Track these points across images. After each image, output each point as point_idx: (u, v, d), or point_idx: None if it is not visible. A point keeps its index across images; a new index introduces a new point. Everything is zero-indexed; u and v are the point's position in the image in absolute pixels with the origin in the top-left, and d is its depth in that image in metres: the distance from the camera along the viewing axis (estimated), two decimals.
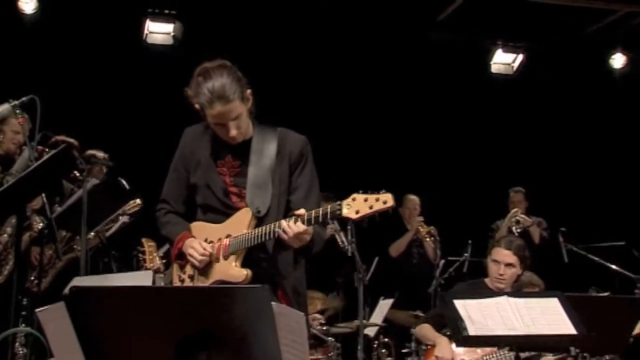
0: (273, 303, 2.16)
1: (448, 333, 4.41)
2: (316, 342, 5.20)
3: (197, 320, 2.22)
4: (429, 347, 4.49)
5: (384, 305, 6.17)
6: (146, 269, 4.04)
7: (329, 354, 5.08)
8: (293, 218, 2.92)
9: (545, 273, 5.41)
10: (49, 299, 3.08)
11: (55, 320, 2.23)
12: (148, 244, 4.12)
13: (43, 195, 4.09)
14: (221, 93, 2.96)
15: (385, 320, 6.24)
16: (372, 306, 6.52)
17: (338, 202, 2.86)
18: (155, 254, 4.10)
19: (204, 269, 3.11)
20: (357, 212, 2.81)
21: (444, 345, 4.28)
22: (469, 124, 8.43)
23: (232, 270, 3.03)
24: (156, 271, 4.02)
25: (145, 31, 7.64)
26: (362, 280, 5.28)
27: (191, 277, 3.15)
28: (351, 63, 8.00)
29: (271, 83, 7.80)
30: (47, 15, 7.24)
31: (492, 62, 8.42)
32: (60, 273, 4.89)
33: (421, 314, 5.80)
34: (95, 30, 7.34)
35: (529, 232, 7.37)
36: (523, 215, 7.40)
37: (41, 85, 6.99)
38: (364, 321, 5.86)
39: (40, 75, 7.11)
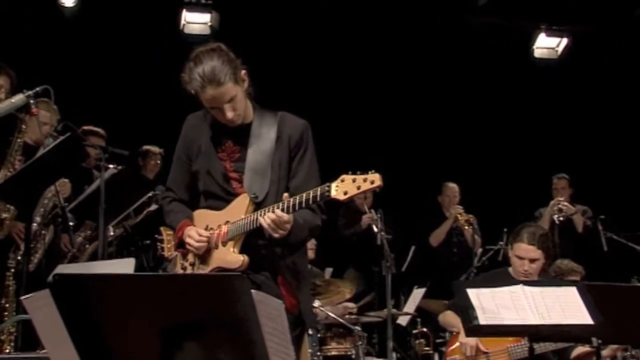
0: (252, 291, 2.13)
1: None
2: (344, 331, 5.16)
3: (183, 308, 2.20)
4: (453, 334, 4.42)
5: (417, 294, 6.11)
6: (165, 257, 4.06)
7: (357, 343, 5.03)
8: (274, 205, 2.89)
9: (585, 262, 5.27)
10: None
11: (42, 307, 2.24)
12: (166, 233, 4.10)
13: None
14: (212, 76, 2.93)
15: (420, 309, 6.17)
16: (407, 295, 6.46)
17: (327, 184, 2.83)
18: (173, 243, 4.10)
19: (204, 256, 3.10)
20: (345, 193, 2.78)
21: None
22: (511, 109, 8.26)
23: (229, 257, 3.01)
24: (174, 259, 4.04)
25: (183, 21, 7.68)
26: (389, 269, 5.22)
27: (192, 265, 3.15)
28: (394, 49, 7.93)
29: (309, 68, 7.80)
30: (87, 8, 7.34)
31: (535, 47, 8.21)
32: (88, 261, 4.96)
33: None
34: (133, 21, 7.42)
35: (572, 221, 7.19)
36: (566, 203, 7.21)
37: (82, 78, 7.19)
38: (396, 310, 5.82)
39: (81, 68, 7.25)
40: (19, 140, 4.29)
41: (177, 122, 7.96)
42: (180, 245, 3.18)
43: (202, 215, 3.16)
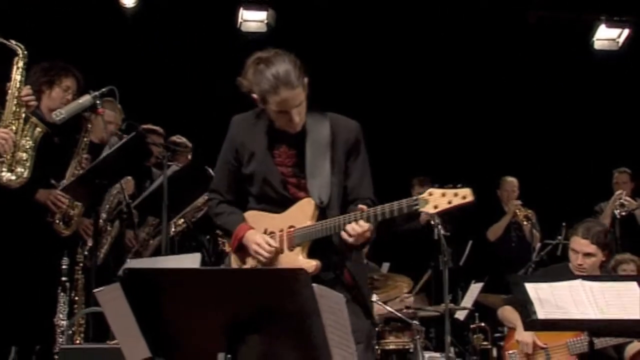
0: (314, 285, 2.19)
1: None
2: (402, 325, 5.19)
3: (247, 302, 2.27)
4: (510, 329, 4.42)
5: (475, 289, 6.10)
6: (227, 252, 4.16)
7: (415, 338, 5.05)
8: (356, 214, 2.90)
9: None
10: None
11: (113, 300, 2.35)
12: None
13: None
14: (286, 79, 2.93)
15: (478, 304, 6.16)
16: (465, 290, 6.46)
17: (415, 198, 2.84)
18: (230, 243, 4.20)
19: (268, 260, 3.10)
20: (435, 207, 2.80)
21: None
22: (572, 102, 8.15)
23: (300, 262, 3.01)
24: None
25: (240, 19, 7.79)
26: (447, 264, 5.22)
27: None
28: (452, 44, 7.90)
29: (364, 67, 7.83)
30: (147, 8, 7.50)
31: (595, 38, 8.08)
32: (152, 256, 5.09)
33: None
34: (192, 20, 7.56)
35: (634, 216, 7.07)
36: (628, 198, 7.08)
37: (141, 76, 7.35)
38: (453, 305, 5.82)
39: (140, 67, 7.41)
40: (85, 139, 4.42)
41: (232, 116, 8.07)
42: (239, 248, 3.18)
43: (257, 217, 3.16)
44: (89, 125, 4.44)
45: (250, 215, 3.19)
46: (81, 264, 4.20)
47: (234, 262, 3.24)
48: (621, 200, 7.03)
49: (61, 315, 3.69)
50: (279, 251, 3.09)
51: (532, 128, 8.17)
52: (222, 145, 3.24)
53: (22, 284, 4.02)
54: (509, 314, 4.43)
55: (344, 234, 2.91)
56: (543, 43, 8.00)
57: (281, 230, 3.09)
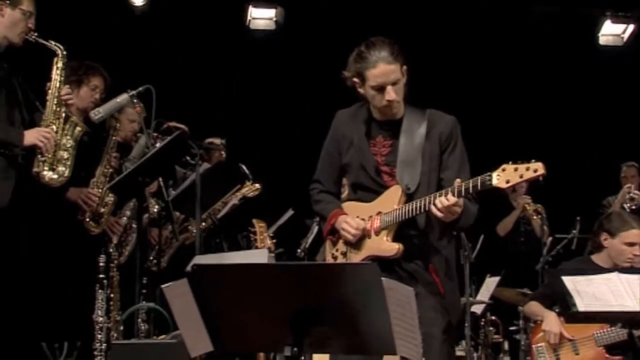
0: (383, 278, 2.24)
1: (557, 310, 4.38)
2: None
3: (310, 296, 2.31)
4: (537, 322, 4.48)
5: (490, 283, 6.16)
6: (257, 248, 4.20)
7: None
8: (443, 191, 2.98)
9: None
10: (168, 277, 3.28)
11: (180, 296, 2.38)
12: (259, 225, 4.27)
13: (160, 179, 4.32)
14: (386, 54, 3.11)
15: (492, 298, 6.23)
16: (478, 284, 6.51)
17: (488, 173, 2.90)
18: (265, 234, 4.25)
19: (356, 245, 3.21)
20: (507, 182, 2.87)
21: (552, 319, 4.26)
22: (577, 98, 8.21)
23: (384, 245, 3.11)
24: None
25: (249, 17, 7.82)
26: (467, 258, 5.28)
27: (344, 254, 3.25)
28: (457, 39, 7.94)
29: None
30: (155, 6, 7.51)
31: (600, 34, 8.13)
32: (176, 253, 5.13)
33: (528, 292, 5.75)
34: (201, 18, 7.58)
35: None
36: (637, 192, 7.17)
37: (150, 74, 7.32)
38: (471, 299, 5.88)
39: (150, 64, 7.42)
40: (114, 137, 4.46)
41: (243, 115, 8.14)
42: (332, 232, 3.29)
43: (352, 207, 3.28)
44: (117, 125, 4.47)
45: (347, 206, 3.31)
46: (115, 261, 4.23)
47: (327, 247, 3.35)
48: (630, 194, 7.12)
49: (100, 312, 3.73)
50: (366, 235, 3.18)
51: (538, 124, 8.23)
52: (325, 138, 3.41)
53: (59, 281, 4.06)
54: (535, 308, 4.49)
55: (433, 208, 2.97)
56: (548, 39, 8.05)
57: (370, 217, 3.18)
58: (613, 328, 4.01)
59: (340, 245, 3.28)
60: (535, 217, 7.26)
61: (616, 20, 8.05)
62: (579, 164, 8.11)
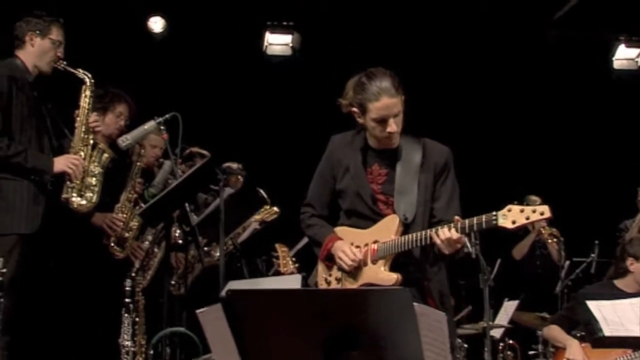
0: (415, 304, 2.27)
1: (578, 334, 4.39)
2: None
3: (344, 321, 2.34)
4: (558, 349, 4.48)
5: (509, 307, 6.16)
6: (280, 272, 4.24)
7: (457, 355, 5.12)
8: (448, 225, 3.02)
9: None
10: (190, 301, 3.33)
11: (213, 321, 2.42)
12: (281, 249, 4.32)
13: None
14: (389, 88, 3.14)
15: (510, 322, 6.23)
16: (495, 308, 6.52)
17: (494, 213, 2.94)
18: (288, 259, 4.29)
19: (352, 273, 3.24)
20: (513, 223, 2.89)
21: (575, 348, 4.27)
22: (592, 121, 8.24)
23: (382, 274, 3.15)
24: (290, 275, 4.22)
25: (265, 43, 7.91)
26: (487, 282, 5.29)
27: (338, 280, 3.28)
28: (474, 63, 8.00)
29: None
30: (174, 33, 7.61)
31: (614, 58, 8.19)
32: (198, 277, 5.16)
33: (547, 316, 5.76)
34: (218, 45, 7.67)
35: None
36: None
37: (168, 100, 7.42)
38: (491, 323, 5.88)
39: (168, 91, 7.50)
40: (138, 163, 4.53)
41: (261, 139, 8.18)
42: (328, 258, 3.32)
43: (346, 233, 3.31)
44: (142, 151, 4.54)
45: (340, 231, 3.33)
46: (141, 285, 4.27)
47: (320, 271, 3.38)
48: None
49: (126, 336, 3.77)
50: (362, 264, 3.21)
51: (553, 146, 8.26)
52: (319, 162, 3.45)
53: (86, 305, 4.11)
54: (556, 333, 4.50)
55: (435, 238, 3.01)
56: (563, 63, 8.11)
57: (366, 245, 3.22)
58: (636, 353, 4.01)
59: (335, 271, 3.31)
60: (550, 241, 7.26)
61: (630, 44, 8.11)
62: (596, 187, 8.12)
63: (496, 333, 6.20)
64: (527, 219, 2.87)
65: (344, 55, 7.66)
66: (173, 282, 4.96)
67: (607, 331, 3.21)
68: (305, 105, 7.78)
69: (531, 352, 6.07)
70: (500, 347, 6.33)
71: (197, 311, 2.42)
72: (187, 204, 4.21)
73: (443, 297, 3.23)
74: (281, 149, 7.79)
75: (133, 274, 4.33)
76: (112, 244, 4.39)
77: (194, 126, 7.24)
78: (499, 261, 7.20)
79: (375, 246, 3.19)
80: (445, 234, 2.99)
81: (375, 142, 3.27)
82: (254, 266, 5.34)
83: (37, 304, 3.88)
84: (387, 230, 3.18)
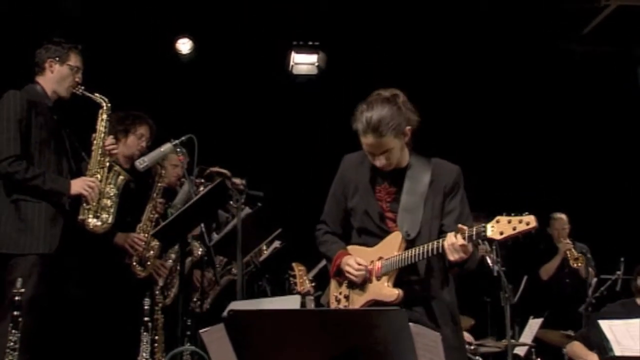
0: (411, 324, 2.30)
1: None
2: None
3: (342, 341, 2.38)
4: None
5: (534, 325, 6.13)
6: (297, 291, 4.29)
7: None
8: (448, 234, 3.06)
9: None
10: (211, 319, 3.39)
11: (217, 340, 2.48)
12: (298, 268, 4.37)
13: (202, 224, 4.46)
14: (376, 126, 3.12)
15: (536, 339, 6.19)
16: (521, 325, 6.48)
17: (482, 224, 2.99)
18: (305, 278, 4.34)
19: (359, 290, 3.30)
20: (501, 234, 2.94)
21: None
22: (619, 137, 8.18)
23: (385, 290, 3.19)
24: (306, 294, 4.27)
25: (291, 62, 8.00)
26: (508, 300, 5.27)
27: (347, 297, 3.34)
28: (495, 80, 8.00)
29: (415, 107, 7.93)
30: (202, 54, 7.75)
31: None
32: (219, 295, 5.24)
33: (572, 334, 5.72)
34: (245, 65, 7.78)
35: None
36: None
37: (197, 119, 7.56)
38: (513, 341, 5.85)
39: (196, 111, 7.63)
40: (159, 184, 4.63)
41: (288, 158, 8.24)
42: (338, 273, 3.38)
43: (356, 251, 3.36)
44: (163, 171, 4.63)
45: (351, 250, 3.39)
46: (160, 304, 4.35)
47: (332, 289, 3.44)
48: None
49: (145, 354, 3.84)
50: (368, 281, 3.26)
51: (583, 161, 8.21)
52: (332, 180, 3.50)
53: (106, 325, 4.19)
54: (578, 349, 4.49)
55: (445, 247, 3.03)
56: (590, 78, 8.07)
57: (372, 262, 3.27)
58: None
59: (344, 289, 3.37)
60: (576, 266, 7.19)
61: None
62: (626, 202, 8.04)
63: (520, 351, 6.16)
64: (514, 229, 2.90)
65: (370, 74, 7.72)
66: (195, 300, 5.04)
67: (618, 351, 3.20)
68: (331, 124, 7.84)
69: None
70: None
71: (201, 331, 2.48)
72: (202, 224, 4.29)
73: (450, 314, 3.24)
74: (308, 168, 7.85)
75: (156, 292, 4.41)
76: (134, 263, 4.48)
77: (220, 146, 7.40)
78: (525, 278, 7.18)
79: (379, 263, 3.23)
80: (452, 239, 3.02)
81: None
82: (279, 285, 5.40)
83: (57, 323, 3.97)
84: (390, 247, 3.22)
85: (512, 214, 2.93)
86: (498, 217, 2.95)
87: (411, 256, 3.13)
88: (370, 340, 2.37)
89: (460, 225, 3.06)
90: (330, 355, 2.40)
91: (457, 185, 3.30)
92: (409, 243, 3.20)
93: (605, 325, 3.29)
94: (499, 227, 2.93)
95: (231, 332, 2.43)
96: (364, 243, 3.34)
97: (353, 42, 7.89)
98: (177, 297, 4.88)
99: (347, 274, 3.30)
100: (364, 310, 2.80)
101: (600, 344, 3.26)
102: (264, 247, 5.39)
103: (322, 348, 2.39)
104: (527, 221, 2.90)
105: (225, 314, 2.42)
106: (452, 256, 3.04)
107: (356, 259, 3.28)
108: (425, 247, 3.10)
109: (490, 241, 3.02)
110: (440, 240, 3.07)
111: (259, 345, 2.44)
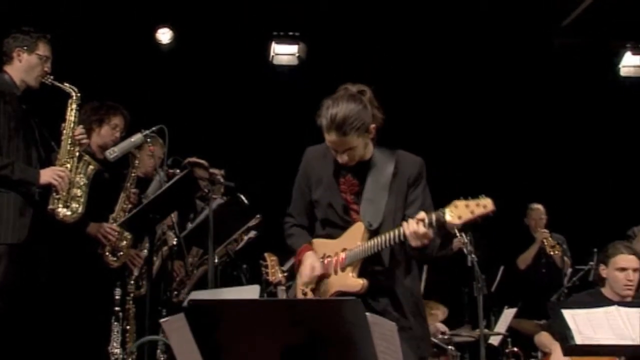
0: (368, 314, 2.33)
1: None
2: (438, 351, 5.30)
3: (301, 330, 2.41)
4: (546, 354, 4.51)
5: (508, 314, 6.20)
6: (269, 281, 4.32)
7: None
8: (408, 221, 3.08)
9: None
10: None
11: (177, 330, 2.50)
12: (270, 258, 4.39)
13: (172, 215, 4.47)
14: (340, 124, 3.11)
15: (511, 329, 6.26)
16: (498, 315, 6.55)
17: (441, 209, 3.01)
18: (277, 268, 4.36)
19: (324, 282, 3.32)
20: (459, 218, 2.96)
21: (559, 353, 4.29)
22: (598, 129, 8.24)
23: (349, 281, 3.21)
24: (277, 284, 4.30)
25: (272, 53, 8.00)
26: (481, 290, 5.32)
27: (313, 290, 3.36)
28: (473, 72, 8.04)
29: (394, 99, 7.95)
30: (182, 44, 7.74)
31: (620, 65, 8.18)
32: (196, 285, 5.26)
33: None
34: (225, 55, 7.78)
35: None
36: None
37: (178, 109, 7.57)
38: (487, 330, 5.92)
39: (176, 100, 7.64)
40: (133, 174, 4.64)
41: (267, 148, 8.24)
42: None
43: (320, 244, 3.38)
44: (137, 161, 4.64)
45: (315, 243, 3.41)
46: (132, 294, 4.37)
47: (298, 280, 3.44)
48: None
49: (115, 344, 3.86)
50: (332, 273, 3.28)
51: (560, 153, 8.26)
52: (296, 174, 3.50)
53: (76, 314, 4.21)
54: (544, 339, 4.54)
55: (406, 232, 3.04)
56: (569, 70, 8.12)
57: (336, 254, 3.29)
58: None
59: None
60: (552, 254, 7.26)
61: (636, 52, 8.10)
62: (603, 194, 8.11)
63: (495, 340, 6.23)
64: (472, 212, 2.92)
65: (351, 64, 7.74)
66: (171, 290, 5.06)
67: (579, 339, 3.25)
68: (311, 115, 7.85)
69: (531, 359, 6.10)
70: (505, 353, 6.35)
71: (161, 320, 2.50)
72: (173, 215, 4.31)
73: (414, 303, 3.27)
74: (288, 159, 7.86)
75: (131, 282, 4.43)
76: (107, 253, 4.49)
77: (200, 136, 7.42)
78: (502, 268, 7.25)
79: (343, 254, 3.25)
80: (411, 224, 3.03)
81: None
82: (256, 275, 5.42)
83: (27, 312, 3.98)
84: (353, 238, 3.24)
85: (469, 198, 2.95)
86: (455, 202, 2.96)
87: (374, 245, 3.15)
88: (328, 330, 2.40)
89: (420, 212, 3.07)
90: (289, 344, 2.43)
91: (420, 176, 3.31)
92: (372, 233, 3.21)
93: (568, 314, 3.34)
94: (457, 212, 2.94)
95: (191, 322, 2.46)
96: (328, 235, 3.35)
97: (334, 33, 7.90)
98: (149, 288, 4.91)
99: (298, 276, 3.32)
100: (322, 300, 2.83)
101: (562, 333, 3.30)
102: (244, 237, 5.42)
103: (281, 338, 2.42)
104: (484, 204, 2.92)
105: (185, 303, 2.45)
106: (414, 242, 3.05)
107: (312, 262, 3.29)
108: (387, 235, 3.12)
109: (449, 226, 3.02)
110: (401, 228, 3.07)
111: (219, 334, 2.47)
